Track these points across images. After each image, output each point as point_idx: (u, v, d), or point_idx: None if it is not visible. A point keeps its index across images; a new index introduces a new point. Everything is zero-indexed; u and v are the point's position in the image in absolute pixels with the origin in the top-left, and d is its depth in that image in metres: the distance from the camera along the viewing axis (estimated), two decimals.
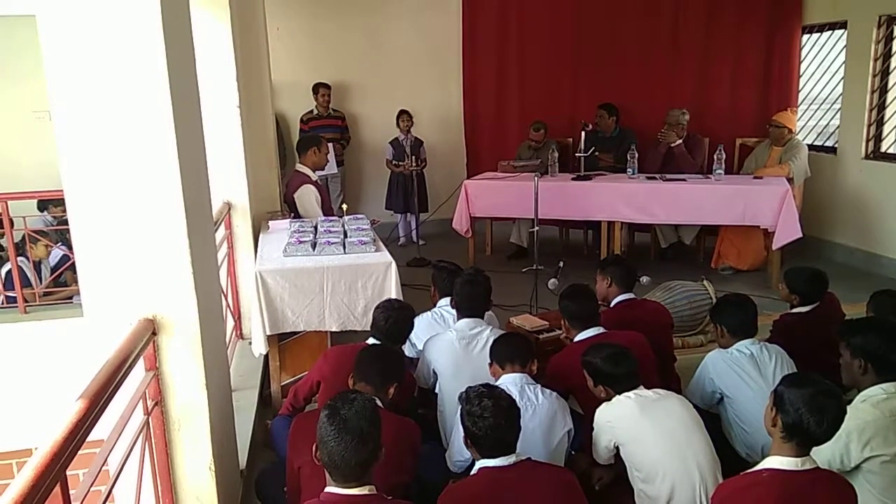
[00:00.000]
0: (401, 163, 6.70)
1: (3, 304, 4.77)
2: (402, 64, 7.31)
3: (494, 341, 2.81)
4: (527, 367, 2.69)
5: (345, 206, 4.82)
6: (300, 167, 4.92)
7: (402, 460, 2.33)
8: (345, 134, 7.18)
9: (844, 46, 6.07)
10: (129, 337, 1.90)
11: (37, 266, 5.37)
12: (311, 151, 4.88)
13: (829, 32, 6.28)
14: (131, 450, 1.86)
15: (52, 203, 5.83)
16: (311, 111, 6.99)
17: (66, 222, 5.49)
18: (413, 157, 6.60)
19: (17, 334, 4.16)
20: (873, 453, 2.23)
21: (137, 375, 1.95)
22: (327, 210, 4.95)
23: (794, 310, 3.47)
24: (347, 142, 7.23)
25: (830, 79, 6.32)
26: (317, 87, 6.90)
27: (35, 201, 5.89)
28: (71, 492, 1.42)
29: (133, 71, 1.90)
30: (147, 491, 2.00)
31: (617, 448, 2.48)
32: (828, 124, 6.51)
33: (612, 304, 3.39)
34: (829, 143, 6.41)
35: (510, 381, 2.60)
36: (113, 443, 1.73)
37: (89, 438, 1.49)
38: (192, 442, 2.16)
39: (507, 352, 2.71)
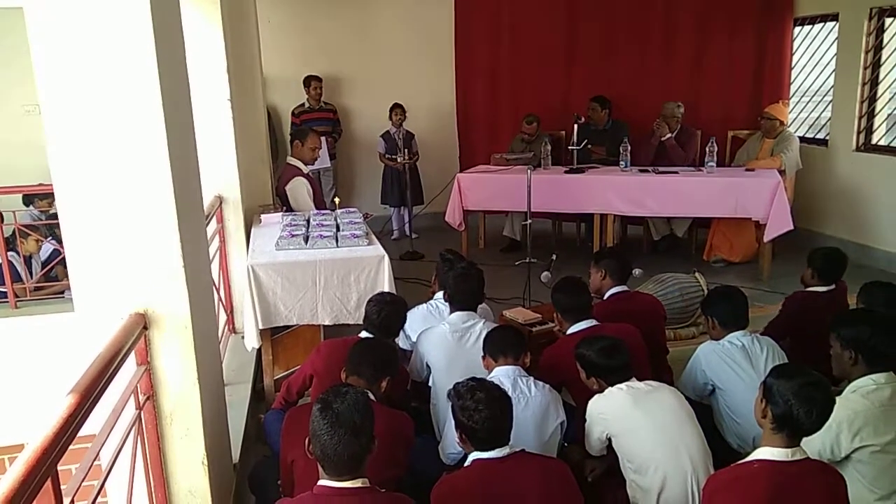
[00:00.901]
0: (395, 157, 6.68)
1: None
2: (394, 57, 7.28)
3: (487, 334, 2.81)
4: (519, 360, 2.69)
5: (337, 200, 4.81)
6: (291, 160, 4.91)
7: (395, 454, 2.33)
8: (336, 127, 7.15)
9: (836, 39, 6.09)
10: (120, 331, 1.89)
11: (27, 261, 5.34)
12: (295, 144, 4.89)
13: (821, 24, 6.29)
14: (123, 444, 1.86)
15: (37, 197, 5.79)
16: (303, 104, 6.96)
17: (53, 216, 5.47)
18: (405, 151, 6.58)
19: (8, 329, 4.14)
20: (863, 443, 2.25)
21: (129, 370, 1.95)
22: (319, 203, 4.94)
23: (810, 288, 3.50)
24: (339, 135, 7.20)
25: (822, 71, 6.34)
26: (308, 80, 6.86)
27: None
28: (63, 486, 1.42)
29: (123, 64, 1.89)
30: (139, 485, 2.00)
31: (609, 440, 2.49)
32: (819, 116, 6.53)
33: (605, 297, 3.40)
34: (820, 136, 6.44)
35: (503, 374, 2.61)
36: (105, 437, 1.73)
37: (81, 433, 1.49)
38: (185, 436, 2.16)
39: (499, 344, 2.71)
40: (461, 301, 3.13)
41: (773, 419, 1.95)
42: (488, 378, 2.53)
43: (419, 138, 6.98)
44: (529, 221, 4.87)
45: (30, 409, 3.42)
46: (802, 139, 6.28)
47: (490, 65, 7.31)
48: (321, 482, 1.83)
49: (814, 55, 6.41)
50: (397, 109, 6.72)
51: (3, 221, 4.37)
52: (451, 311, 3.16)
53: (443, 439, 2.73)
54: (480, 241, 6.54)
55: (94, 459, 1.66)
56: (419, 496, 2.07)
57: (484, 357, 2.75)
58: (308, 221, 4.11)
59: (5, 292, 4.36)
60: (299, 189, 4.78)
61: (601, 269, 3.43)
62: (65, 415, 1.43)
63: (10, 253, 4.73)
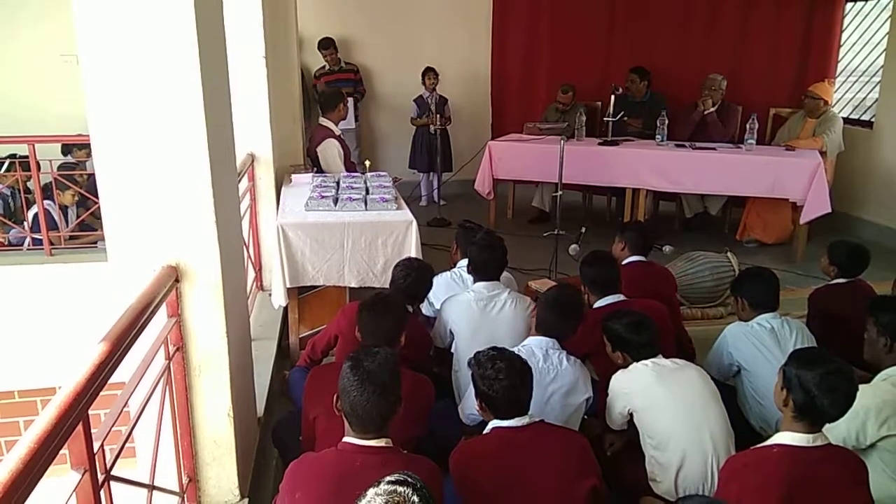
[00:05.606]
0: (425, 117, 6.60)
1: (30, 245, 4.85)
2: (429, 20, 7.17)
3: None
4: None
5: (368, 163, 4.80)
6: (323, 121, 4.90)
7: (416, 416, 2.35)
8: (358, 87, 7.02)
9: (889, 17, 5.84)
10: (153, 283, 1.92)
11: (63, 211, 5.44)
12: (340, 107, 4.87)
13: (874, 2, 6.05)
14: (152, 393, 1.90)
15: (76, 147, 5.87)
16: (324, 66, 6.87)
17: (72, 168, 5.52)
18: (438, 116, 6.51)
19: (43, 276, 4.24)
20: (890, 432, 2.21)
21: (160, 321, 1.98)
22: (350, 165, 4.94)
23: (833, 281, 3.44)
24: (362, 95, 7.08)
25: (871, 50, 6.12)
26: (326, 43, 6.69)
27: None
28: (93, 431, 1.46)
29: (161, 17, 1.88)
30: (166, 434, 2.05)
31: (630, 415, 2.49)
32: (865, 98, 6.32)
33: (623, 263, 3.41)
34: (865, 117, 6.24)
35: (536, 344, 2.60)
36: (134, 385, 1.76)
37: (111, 381, 1.52)
38: (212, 388, 2.20)
39: None
40: (484, 272, 3.12)
41: (794, 408, 1.92)
42: (522, 346, 2.53)
43: (452, 104, 6.89)
44: (560, 193, 4.81)
45: (62, 355, 3.51)
46: (846, 120, 6.09)
47: (528, 32, 7.15)
48: (346, 439, 1.86)
49: (864, 34, 6.17)
50: (430, 73, 6.63)
51: (40, 170, 4.44)
52: (475, 282, 3.15)
53: (463, 400, 2.74)
54: (509, 210, 6.49)
55: (124, 406, 1.70)
56: (438, 460, 2.09)
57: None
58: (338, 183, 4.12)
59: (40, 240, 4.46)
60: (331, 150, 4.78)
61: (623, 241, 3.50)
62: (97, 361, 1.46)
63: (46, 202, 4.83)
